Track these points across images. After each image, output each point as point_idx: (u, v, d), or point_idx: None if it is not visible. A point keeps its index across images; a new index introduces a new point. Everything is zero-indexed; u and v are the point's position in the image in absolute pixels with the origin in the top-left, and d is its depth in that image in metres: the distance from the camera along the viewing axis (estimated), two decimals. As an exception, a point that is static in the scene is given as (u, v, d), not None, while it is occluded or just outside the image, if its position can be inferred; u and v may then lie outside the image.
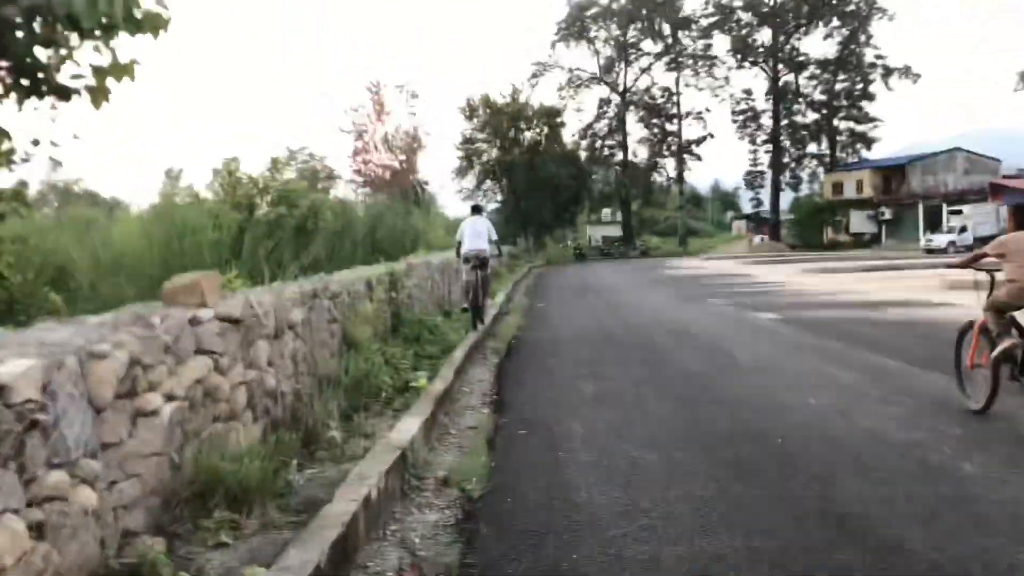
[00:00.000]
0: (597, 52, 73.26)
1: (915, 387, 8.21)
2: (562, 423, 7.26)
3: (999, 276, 7.15)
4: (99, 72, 5.74)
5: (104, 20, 5.10)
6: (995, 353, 6.75)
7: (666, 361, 10.66)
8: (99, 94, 5.86)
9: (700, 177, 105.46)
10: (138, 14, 5.53)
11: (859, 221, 65.89)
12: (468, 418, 7.76)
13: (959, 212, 56.56)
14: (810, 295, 20.31)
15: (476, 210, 15.34)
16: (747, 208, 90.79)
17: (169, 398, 4.48)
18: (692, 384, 8.90)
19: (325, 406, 7.12)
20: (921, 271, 26.24)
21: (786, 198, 76.80)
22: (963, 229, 53.48)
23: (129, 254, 12.98)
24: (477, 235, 13.77)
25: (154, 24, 5.66)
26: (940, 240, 52.00)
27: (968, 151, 67.28)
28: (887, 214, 63.60)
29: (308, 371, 7.75)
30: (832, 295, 19.95)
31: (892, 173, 66.81)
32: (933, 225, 58.38)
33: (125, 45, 5.69)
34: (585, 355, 11.46)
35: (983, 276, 7.35)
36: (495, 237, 14.38)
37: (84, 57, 5.67)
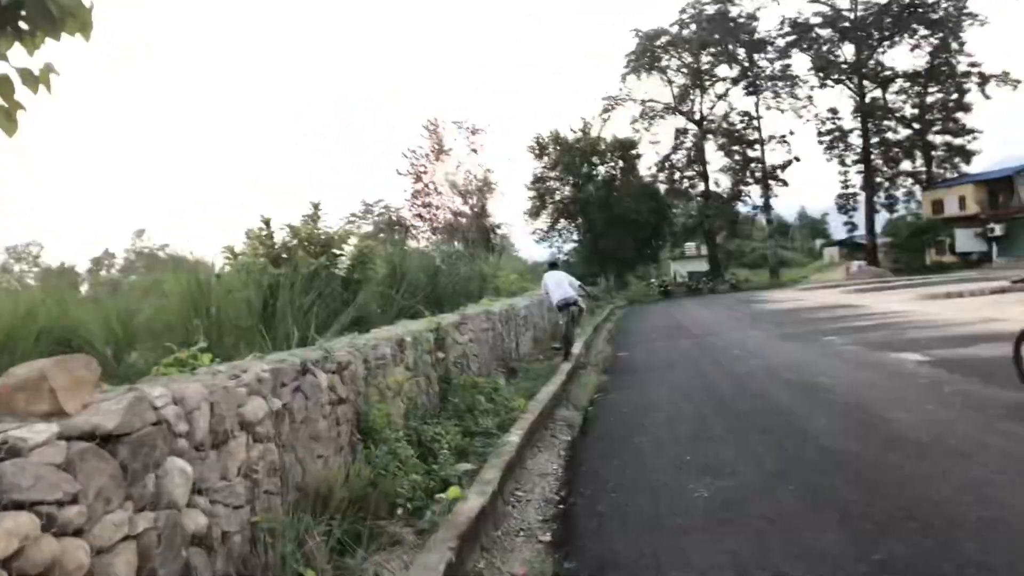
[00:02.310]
0: (670, 81, 70.49)
1: None
2: (664, 568, 4.51)
3: None
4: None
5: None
6: None
7: (800, 435, 7.77)
8: (11, 114, 3.80)
9: (786, 205, 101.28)
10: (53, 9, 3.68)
11: (965, 239, 61.08)
12: (518, 555, 5.08)
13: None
14: (946, 327, 16.96)
15: (553, 266, 17.99)
16: (837, 234, 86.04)
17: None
18: (851, 478, 6.03)
19: (299, 545, 4.58)
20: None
21: (880, 220, 72.17)
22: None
23: (156, 320, 10.94)
24: (559, 286, 16.09)
25: (81, 21, 3.78)
26: (1062, 255, 47.09)
27: (1082, 157, 61.99)
28: (997, 230, 58.70)
29: (283, 487, 5.24)
30: (973, 325, 16.58)
31: (998, 186, 61.93)
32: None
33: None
34: (686, 429, 8.67)
35: None
36: (577, 283, 16.66)
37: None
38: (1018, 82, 65.37)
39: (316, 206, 18.58)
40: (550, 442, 8.83)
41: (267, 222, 17.10)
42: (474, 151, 33.02)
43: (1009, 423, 7.26)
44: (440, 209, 33.01)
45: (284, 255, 15.33)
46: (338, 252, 14.87)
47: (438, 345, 10.17)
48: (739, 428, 8.43)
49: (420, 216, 32.32)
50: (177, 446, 4.01)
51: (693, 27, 68.58)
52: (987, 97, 66.14)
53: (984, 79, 65.58)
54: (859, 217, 72.50)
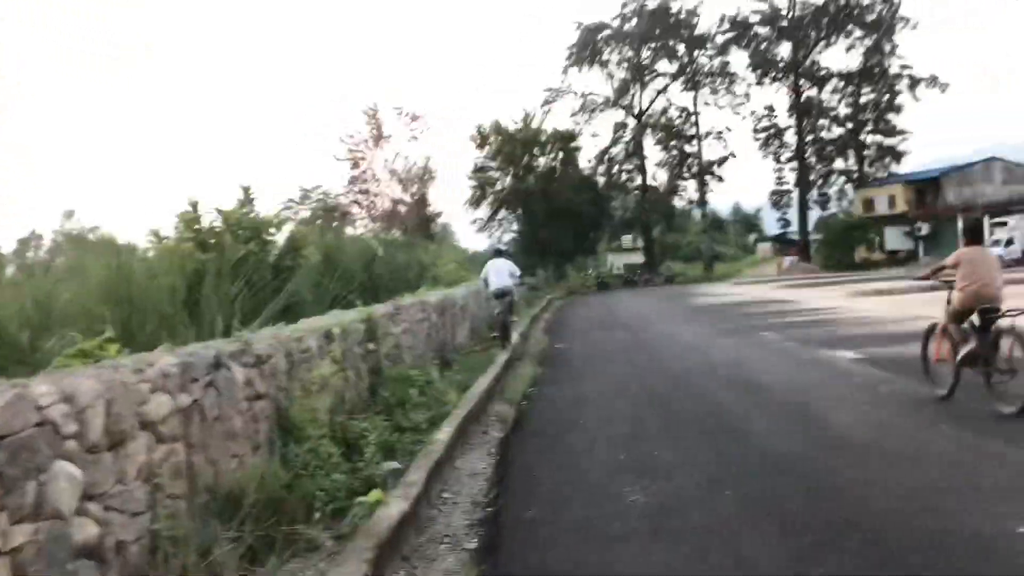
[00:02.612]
0: (611, 75, 70.59)
1: None
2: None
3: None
4: None
5: None
6: (959, 358, 7.93)
7: (740, 437, 7.58)
8: None
9: (720, 200, 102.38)
10: None
11: (894, 238, 62.49)
12: (440, 565, 4.76)
13: (1004, 224, 53.04)
14: (878, 324, 17.11)
15: (499, 253, 18.33)
16: (770, 230, 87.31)
17: None
18: (793, 484, 5.82)
19: (205, 553, 4.20)
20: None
21: (812, 217, 73.35)
22: (1010, 242, 49.99)
23: (75, 305, 10.27)
24: (499, 274, 16.26)
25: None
26: (987, 255, 48.19)
27: (1005, 160, 63.72)
28: (924, 229, 60.18)
29: (191, 491, 4.84)
30: (903, 323, 16.62)
31: (926, 187, 63.36)
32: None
33: None
34: (623, 428, 8.42)
35: None
36: (518, 273, 17.17)
37: None
38: (947, 85, 67.31)
39: (247, 189, 17.82)
40: (482, 438, 8.52)
41: (195, 205, 16.32)
42: (415, 138, 32.42)
43: (947, 425, 7.16)
44: (379, 196, 32.36)
45: (212, 240, 14.69)
46: (269, 238, 14.28)
47: (369, 337, 9.79)
48: (677, 428, 8.23)
49: (357, 203, 31.62)
50: (65, 449, 3.59)
51: (635, 21, 68.69)
52: (917, 99, 67.91)
53: (914, 81, 67.23)
54: (792, 214, 73.76)
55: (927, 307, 18.99)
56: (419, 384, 10.15)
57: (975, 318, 7.90)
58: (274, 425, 6.43)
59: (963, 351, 7.85)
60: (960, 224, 56.71)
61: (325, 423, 7.53)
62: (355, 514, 5.37)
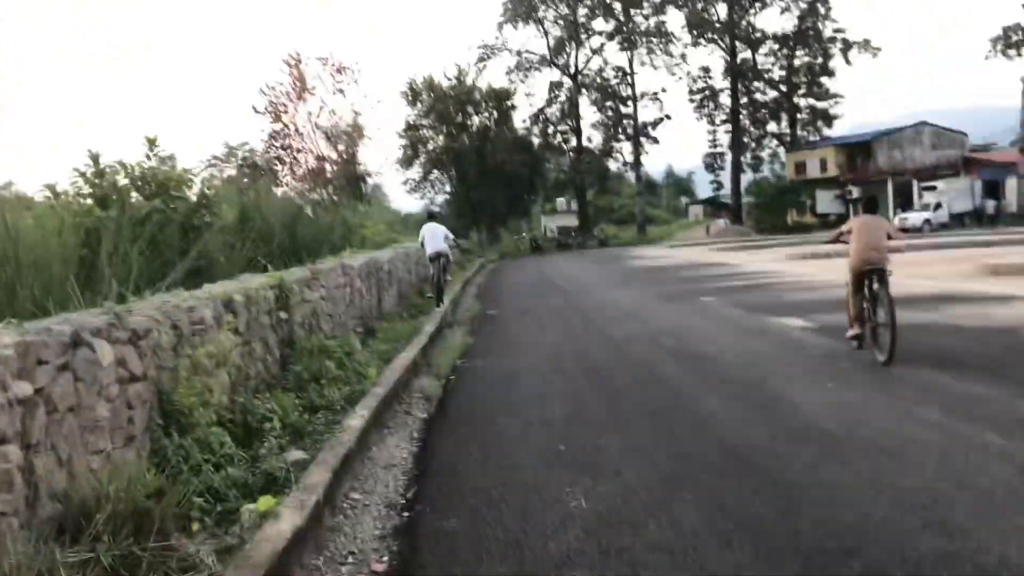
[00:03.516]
0: (546, 33, 69.10)
1: None
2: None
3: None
4: None
5: None
6: (853, 312, 9.15)
7: (694, 421, 6.67)
8: None
9: (653, 163, 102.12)
10: None
11: (825, 201, 62.78)
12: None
13: (933, 188, 53.68)
14: (822, 288, 16.46)
15: (432, 217, 18.92)
16: (702, 193, 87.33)
17: None
18: (762, 486, 4.88)
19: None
20: (919, 253, 22.69)
21: (744, 181, 73.42)
22: (938, 206, 50.58)
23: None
24: (435, 238, 16.67)
25: None
26: (915, 218, 48.73)
27: (935, 125, 64.44)
28: (855, 193, 60.61)
29: (31, 502, 3.85)
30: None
31: (857, 150, 63.77)
32: (904, 203, 55.48)
33: None
34: (559, 408, 7.46)
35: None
36: (452, 236, 17.77)
37: None
38: (878, 50, 67.56)
39: (152, 141, 16.30)
40: (403, 421, 7.51)
41: (95, 158, 14.81)
42: (340, 91, 30.71)
43: (926, 409, 6.34)
44: (302, 152, 30.69)
45: (113, 196, 13.27)
46: (177, 194, 12.95)
47: (280, 304, 8.70)
48: (621, 410, 7.30)
49: (279, 159, 29.91)
50: None
51: (571, -24, 67.30)
52: (849, 63, 68.09)
53: (847, 45, 67.32)
54: (725, 176, 73.73)
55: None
56: (337, 356, 9.21)
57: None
58: (154, 411, 5.37)
59: (853, 305, 9.10)
60: (890, 187, 57.44)
61: (223, 405, 6.48)
62: (242, 523, 4.38)
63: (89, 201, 12.23)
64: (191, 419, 5.56)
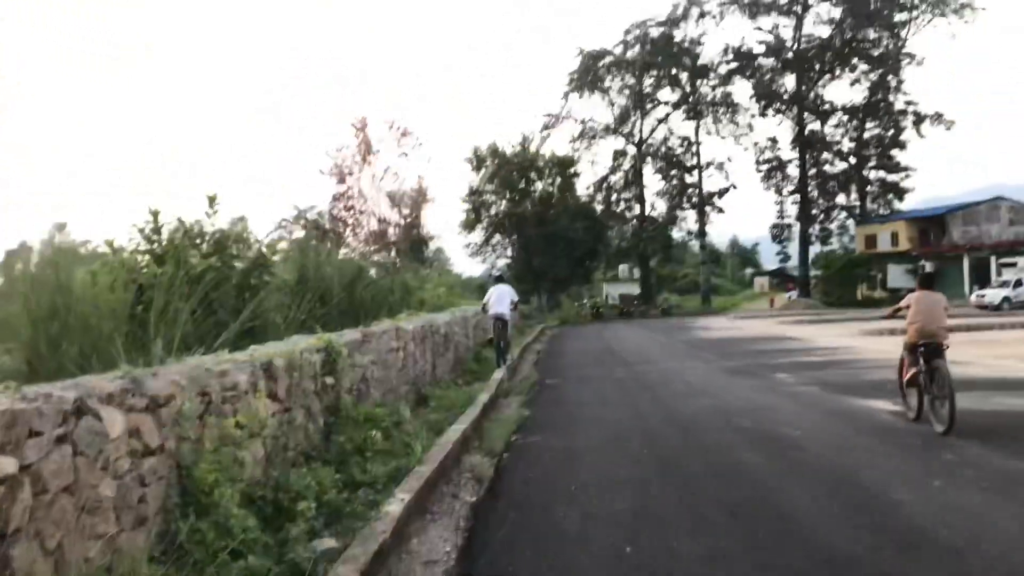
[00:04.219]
0: (612, 103, 69.18)
1: None
2: None
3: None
4: None
5: None
6: (905, 379, 9.73)
7: (782, 523, 5.77)
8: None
9: (718, 232, 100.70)
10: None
11: (897, 275, 60.87)
12: None
13: (1013, 265, 51.55)
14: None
15: (499, 279, 19.41)
16: (768, 264, 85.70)
17: None
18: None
19: None
20: (1009, 332, 21.32)
21: (812, 252, 71.72)
22: (1019, 283, 48.40)
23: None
24: (500, 301, 17.50)
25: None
26: (993, 295, 46.63)
27: (1011, 200, 62.38)
28: (928, 267, 58.68)
29: None
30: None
31: (930, 224, 62.07)
32: (979, 279, 53.40)
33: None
34: (624, 499, 6.63)
35: None
36: (516, 298, 18.42)
37: None
38: (952, 123, 65.92)
39: (212, 198, 16.17)
40: (449, 507, 6.76)
41: (155, 214, 14.68)
42: (404, 155, 30.76)
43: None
44: (365, 214, 30.68)
45: (172, 253, 13.04)
46: (235, 253, 12.67)
47: (327, 369, 8.17)
48: (695, 503, 6.43)
49: (343, 221, 29.90)
50: None
51: (637, 49, 67.44)
52: (921, 136, 66.36)
53: (919, 118, 65.83)
54: (792, 248, 72.15)
55: (961, 351, 17.19)
56: (385, 426, 8.66)
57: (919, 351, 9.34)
58: (172, 489, 4.80)
59: (908, 374, 9.55)
60: (966, 263, 55.48)
61: (254, 480, 5.88)
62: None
63: (147, 257, 11.99)
64: (211, 498, 4.96)
